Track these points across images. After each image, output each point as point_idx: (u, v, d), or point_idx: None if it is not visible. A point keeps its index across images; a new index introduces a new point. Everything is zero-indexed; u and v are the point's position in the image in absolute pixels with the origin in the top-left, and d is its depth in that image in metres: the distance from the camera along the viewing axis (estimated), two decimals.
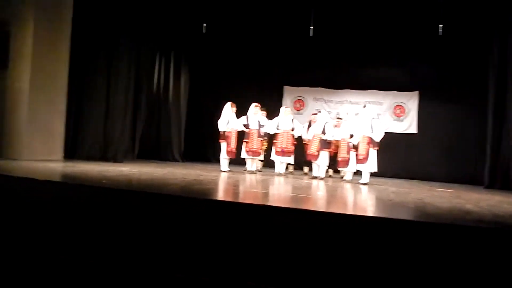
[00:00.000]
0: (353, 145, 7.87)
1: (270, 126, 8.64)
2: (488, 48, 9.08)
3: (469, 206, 5.11)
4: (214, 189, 5.31)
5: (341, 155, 8.17)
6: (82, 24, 8.15)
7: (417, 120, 10.47)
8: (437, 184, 8.79)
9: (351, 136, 7.86)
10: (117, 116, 8.70)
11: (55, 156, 7.64)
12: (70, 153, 8.13)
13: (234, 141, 8.31)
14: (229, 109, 8.36)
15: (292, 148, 8.51)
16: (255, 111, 8.51)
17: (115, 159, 8.37)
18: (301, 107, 11.24)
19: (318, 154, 8.04)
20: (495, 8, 8.62)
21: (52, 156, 7.53)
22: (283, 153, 8.43)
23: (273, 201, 4.83)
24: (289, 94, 11.34)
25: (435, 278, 3.45)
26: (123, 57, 8.79)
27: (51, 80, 7.64)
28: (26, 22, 7.31)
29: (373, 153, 7.37)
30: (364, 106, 7.86)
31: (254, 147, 8.40)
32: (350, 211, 4.65)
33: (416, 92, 10.50)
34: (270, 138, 8.92)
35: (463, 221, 4.14)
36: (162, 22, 9.97)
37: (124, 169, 6.94)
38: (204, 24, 9.06)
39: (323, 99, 11.13)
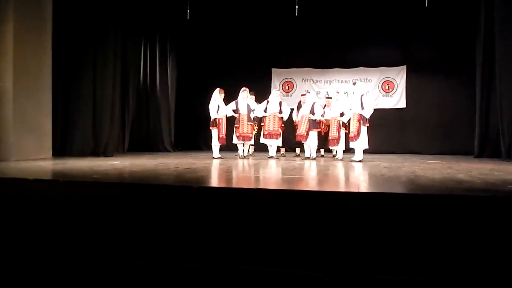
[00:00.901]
0: (343, 123, 7.88)
1: (258, 110, 8.62)
2: (475, 18, 9.07)
3: (460, 176, 5.16)
4: (207, 176, 5.29)
5: (332, 133, 8.19)
6: (64, 18, 7.95)
7: (405, 95, 10.49)
8: (430, 157, 8.84)
9: (342, 114, 7.86)
10: (105, 109, 8.57)
11: (44, 154, 7.54)
12: (60, 151, 8.02)
13: (224, 127, 8.29)
14: (217, 95, 8.31)
15: (279, 131, 8.50)
16: (244, 96, 8.46)
17: (105, 154, 8.29)
18: (290, 89, 11.20)
19: (308, 135, 8.07)
20: None
21: (41, 154, 7.43)
22: (270, 135, 8.43)
23: (266, 184, 4.83)
24: (278, 77, 11.28)
25: (430, 249, 3.48)
26: (108, 49, 8.60)
27: (35, 77, 7.48)
28: (5, 19, 7.11)
29: (364, 130, 7.39)
30: (354, 83, 7.84)
31: (245, 132, 8.38)
32: (343, 188, 4.66)
33: (404, 67, 10.49)
34: (260, 122, 8.91)
35: (456, 190, 4.18)
36: (146, 10, 9.81)
37: (115, 162, 6.88)
38: (188, 10, 8.92)
39: (311, 79, 11.10)
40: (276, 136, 8.48)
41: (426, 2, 7.74)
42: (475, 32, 9.11)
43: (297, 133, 8.28)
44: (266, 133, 8.47)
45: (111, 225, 4.14)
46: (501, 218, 3.56)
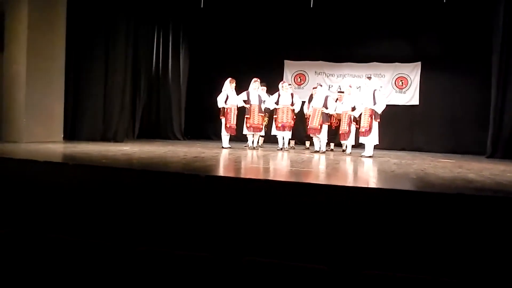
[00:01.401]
0: (354, 117, 7.81)
1: (270, 102, 8.59)
2: (492, 16, 8.87)
3: (471, 176, 5.09)
4: (215, 166, 5.29)
5: (342, 128, 8.14)
6: (77, 4, 7.98)
7: (419, 92, 10.35)
8: (440, 155, 8.74)
9: (353, 108, 7.79)
10: (115, 95, 8.62)
11: (55, 138, 7.61)
12: (70, 135, 8.10)
13: (234, 117, 8.28)
14: (228, 85, 8.30)
15: (292, 122, 8.49)
16: (255, 86, 8.43)
17: (115, 139, 8.34)
18: (302, 82, 11.11)
19: (321, 128, 8.02)
20: None
21: (52, 138, 7.50)
22: (283, 127, 8.42)
23: (274, 176, 4.82)
24: (290, 69, 11.20)
25: (438, 247, 3.45)
26: (121, 36, 8.63)
27: (48, 62, 7.54)
28: (20, 3, 7.16)
29: (376, 126, 7.32)
30: (369, 78, 7.72)
31: (256, 123, 8.36)
32: (352, 183, 4.63)
33: (418, 63, 10.33)
34: (271, 114, 8.87)
35: (466, 190, 4.12)
36: None
37: (124, 148, 6.92)
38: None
39: (324, 72, 10.99)
40: (289, 128, 8.49)
41: None
42: (493, 30, 8.92)
43: (309, 126, 8.20)
44: (279, 125, 8.44)
45: (117, 210, 4.17)
46: (511, 219, 3.51)
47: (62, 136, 7.85)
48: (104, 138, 8.35)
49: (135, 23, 9.01)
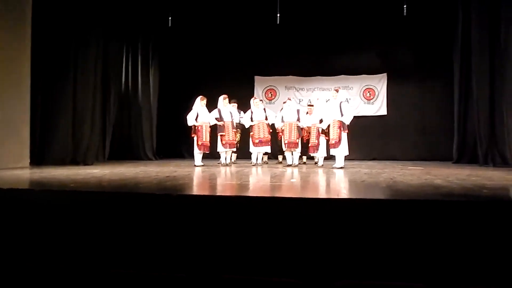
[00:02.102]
0: (322, 130, 7.94)
1: (245, 119, 8.66)
2: (453, 28, 9.27)
3: (438, 181, 5.22)
4: (187, 184, 5.25)
5: (311, 140, 8.25)
6: (43, 23, 7.83)
7: (386, 102, 10.63)
8: (410, 163, 8.95)
9: (321, 121, 7.93)
10: (85, 116, 8.46)
11: (22, 163, 7.39)
12: (38, 159, 7.87)
13: (206, 134, 8.27)
14: (198, 103, 8.31)
15: (269, 137, 8.59)
16: (224, 103, 8.47)
17: (85, 162, 8.17)
18: (273, 97, 11.25)
19: (298, 142, 8.15)
20: None
21: (19, 163, 7.28)
22: (261, 143, 8.50)
23: (247, 192, 4.81)
24: (260, 84, 11.32)
25: (408, 254, 3.51)
26: (89, 54, 8.51)
27: (13, 84, 7.35)
28: None
29: (345, 137, 7.44)
30: (337, 90, 7.88)
31: (231, 139, 8.39)
32: (323, 195, 4.67)
33: (384, 74, 10.65)
34: (242, 130, 8.93)
35: (433, 195, 4.23)
36: (128, 16, 9.76)
37: (94, 171, 6.78)
38: (170, 18, 8.91)
39: (294, 87, 11.17)
40: (267, 143, 8.55)
41: (405, 11, 7.89)
42: (453, 41, 9.32)
43: (288, 141, 8.22)
44: (257, 141, 8.49)
45: (88, 234, 4.06)
46: (477, 222, 3.61)
47: (29, 161, 7.63)
48: (74, 161, 8.16)
49: (104, 42, 8.93)
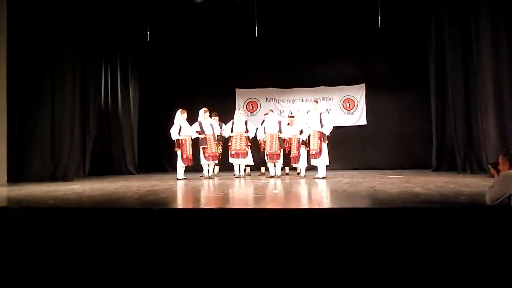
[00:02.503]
0: (303, 140, 8.01)
1: (226, 130, 8.71)
2: (427, 38, 9.52)
3: (417, 189, 5.32)
4: (169, 198, 5.22)
5: (292, 151, 8.30)
6: (18, 39, 7.74)
7: (365, 112, 10.80)
8: (390, 171, 9.08)
9: (301, 132, 8.01)
10: (64, 132, 8.35)
11: None
12: (16, 176, 7.69)
13: (189, 147, 8.24)
14: (179, 116, 8.29)
15: (246, 149, 8.57)
16: (205, 116, 8.48)
17: (65, 178, 8.03)
18: (254, 109, 11.31)
19: (280, 153, 8.20)
20: None
21: None
22: (237, 155, 8.51)
23: (229, 204, 4.81)
24: (242, 97, 11.38)
25: (388, 260, 3.55)
26: (67, 69, 8.43)
27: None
28: None
29: (325, 147, 7.52)
30: (316, 101, 7.98)
31: (214, 151, 8.38)
32: (305, 205, 4.71)
33: (363, 85, 10.83)
34: (224, 142, 8.94)
35: (411, 203, 4.31)
36: (106, 30, 9.73)
37: (74, 187, 6.68)
38: (148, 32, 8.93)
39: (275, 99, 11.26)
40: (243, 155, 8.55)
41: (379, 22, 8.08)
42: (427, 50, 9.57)
43: (270, 152, 8.27)
44: (233, 152, 8.51)
45: (67, 251, 3.99)
46: (454, 229, 3.69)
47: (6, 179, 7.45)
48: (53, 177, 8.02)
49: (82, 56, 8.87)
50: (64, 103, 8.36)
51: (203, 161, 8.36)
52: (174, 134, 8.19)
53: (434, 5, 8.95)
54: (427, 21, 9.35)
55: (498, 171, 3.53)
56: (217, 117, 8.92)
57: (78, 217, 4.29)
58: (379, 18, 8.22)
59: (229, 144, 8.64)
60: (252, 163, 8.93)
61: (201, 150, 8.33)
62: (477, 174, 7.59)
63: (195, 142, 8.46)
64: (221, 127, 8.92)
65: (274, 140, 8.24)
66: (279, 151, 8.22)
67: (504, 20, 7.27)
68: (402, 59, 10.39)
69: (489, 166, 3.78)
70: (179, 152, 8.19)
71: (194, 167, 8.80)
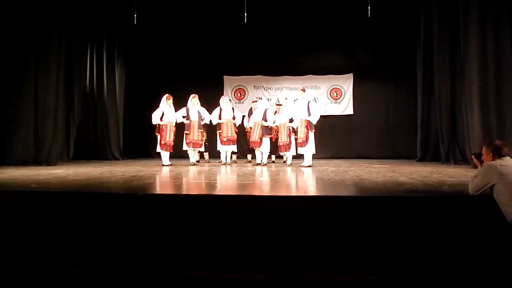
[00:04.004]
0: (293, 129, 8.01)
1: (213, 117, 8.63)
2: (415, 30, 9.54)
3: (402, 178, 5.38)
4: (153, 184, 5.18)
5: (282, 139, 8.29)
6: (2, 21, 7.53)
7: (352, 101, 10.83)
8: (376, 161, 9.16)
9: (291, 120, 8.00)
10: (47, 116, 8.19)
11: None
12: None
13: (169, 134, 8.17)
14: (164, 102, 8.22)
15: (235, 136, 8.58)
16: (194, 102, 8.41)
17: (48, 162, 7.91)
18: (242, 96, 11.24)
19: (261, 141, 8.18)
20: None
21: None
22: (229, 141, 8.50)
23: (215, 190, 4.80)
24: (229, 84, 11.29)
25: (373, 249, 3.59)
26: (51, 52, 8.23)
27: None
28: None
29: (311, 136, 7.53)
30: (304, 90, 7.97)
31: (195, 139, 8.33)
32: (291, 192, 4.73)
33: (351, 75, 10.83)
34: (210, 129, 8.88)
35: (396, 192, 4.35)
36: (92, 13, 9.50)
37: (58, 171, 6.59)
38: (135, 15, 8.74)
39: (262, 86, 11.21)
40: (233, 142, 8.55)
41: (369, 12, 8.06)
42: (415, 41, 9.59)
43: (250, 140, 8.34)
44: (225, 139, 8.49)
45: (49, 235, 3.95)
46: (438, 217, 3.74)
47: None
48: (36, 161, 7.89)
49: (67, 39, 8.66)
50: (48, 87, 8.19)
51: (184, 147, 8.33)
52: (155, 118, 8.15)
53: None
54: (417, 13, 9.36)
55: (481, 162, 3.58)
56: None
57: (61, 202, 4.23)
58: (369, 8, 8.18)
59: (219, 131, 8.59)
60: (236, 150, 8.91)
61: (184, 136, 8.29)
62: (460, 165, 7.70)
63: (179, 129, 8.39)
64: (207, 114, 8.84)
65: (256, 128, 8.24)
66: (259, 139, 8.20)
67: (491, 15, 7.33)
68: (391, 50, 10.41)
69: (472, 157, 3.83)
70: (158, 137, 8.15)
71: (180, 154, 8.75)
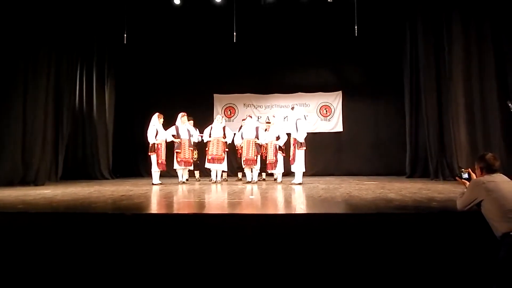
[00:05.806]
0: (279, 146, 8.03)
1: (205, 134, 8.67)
2: (402, 46, 9.74)
3: (391, 195, 5.40)
4: (143, 203, 5.13)
5: (269, 157, 8.31)
6: None
7: (342, 119, 10.93)
8: (366, 178, 9.20)
9: (277, 138, 8.03)
10: (36, 135, 8.13)
11: None
12: None
13: (163, 152, 8.14)
14: (156, 120, 8.19)
15: (222, 155, 8.54)
16: (183, 120, 8.41)
17: (36, 182, 7.81)
18: (232, 114, 11.29)
19: (256, 159, 8.19)
20: (404, 8, 9.28)
21: None
22: (213, 160, 8.48)
23: (204, 209, 4.77)
24: (220, 102, 11.35)
25: (362, 264, 3.58)
26: (41, 70, 8.23)
27: None
28: None
29: (300, 153, 7.54)
30: (292, 108, 8.02)
31: (187, 157, 8.30)
32: (281, 210, 4.71)
33: (340, 92, 10.97)
34: (201, 147, 8.89)
35: (385, 209, 4.36)
36: (82, 32, 9.54)
37: (45, 191, 6.50)
38: (125, 34, 8.81)
39: (252, 104, 11.28)
40: (219, 160, 8.50)
41: (356, 31, 8.22)
42: (402, 59, 9.78)
43: (246, 158, 8.24)
44: (210, 157, 8.47)
45: (36, 257, 3.88)
46: (427, 233, 3.75)
47: None
48: (24, 181, 7.79)
49: (56, 57, 8.66)
50: (37, 105, 8.15)
51: (175, 166, 8.29)
52: (151, 137, 8.07)
53: (409, 16, 9.18)
54: (403, 31, 9.57)
55: (469, 179, 3.63)
56: (192, 122, 8.87)
57: (49, 222, 4.17)
58: (356, 27, 8.34)
59: (206, 149, 8.60)
60: (226, 169, 8.87)
61: (175, 155, 8.25)
62: (448, 181, 7.77)
63: (169, 147, 8.37)
64: (196, 131, 8.86)
65: (251, 145, 8.23)
66: (255, 157, 8.22)
67: (474, 32, 7.52)
68: (379, 68, 10.59)
69: (457, 178, 3.88)
70: (153, 156, 8.05)
71: (169, 173, 8.71)
